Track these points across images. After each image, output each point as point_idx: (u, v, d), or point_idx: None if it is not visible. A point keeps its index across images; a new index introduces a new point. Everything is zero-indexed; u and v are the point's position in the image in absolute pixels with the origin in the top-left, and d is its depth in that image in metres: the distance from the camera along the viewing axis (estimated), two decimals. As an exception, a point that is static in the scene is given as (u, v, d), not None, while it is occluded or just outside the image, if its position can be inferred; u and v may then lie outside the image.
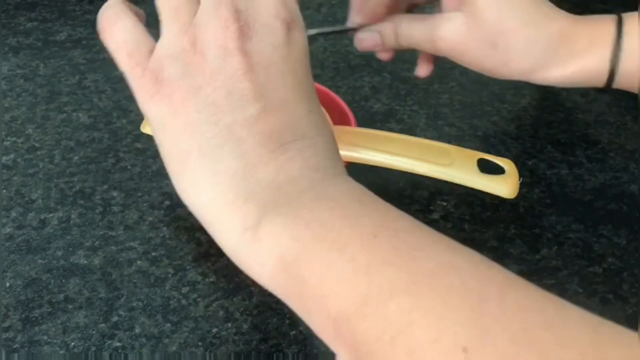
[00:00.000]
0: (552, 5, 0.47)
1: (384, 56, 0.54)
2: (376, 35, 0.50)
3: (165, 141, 0.33)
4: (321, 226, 0.29)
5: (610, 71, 0.46)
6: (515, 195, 0.48)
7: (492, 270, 0.27)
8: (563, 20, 0.46)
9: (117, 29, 0.34)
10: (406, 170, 0.49)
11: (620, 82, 0.46)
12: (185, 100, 0.32)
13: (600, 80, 0.47)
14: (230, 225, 0.31)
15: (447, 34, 0.47)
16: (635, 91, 0.46)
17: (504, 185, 0.48)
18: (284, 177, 0.31)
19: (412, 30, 0.49)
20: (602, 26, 0.46)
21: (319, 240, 0.28)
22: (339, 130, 0.51)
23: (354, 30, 0.51)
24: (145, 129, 0.52)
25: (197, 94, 0.32)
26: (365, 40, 0.51)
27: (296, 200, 0.30)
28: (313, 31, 0.52)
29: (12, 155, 0.58)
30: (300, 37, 0.34)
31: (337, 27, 0.53)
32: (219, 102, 0.31)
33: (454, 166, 0.49)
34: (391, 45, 0.50)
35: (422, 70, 0.56)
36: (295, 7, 0.34)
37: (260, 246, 0.30)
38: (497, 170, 0.49)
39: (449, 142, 0.51)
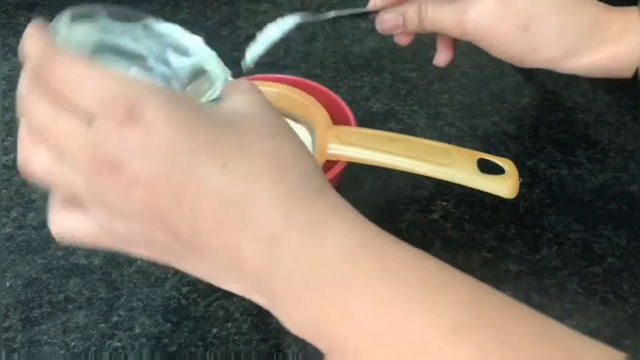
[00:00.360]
0: None
1: (402, 40, 0.52)
2: (399, 16, 0.49)
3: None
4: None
5: None
6: (515, 195, 0.48)
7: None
8: (596, 7, 0.46)
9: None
10: (406, 170, 0.49)
11: None
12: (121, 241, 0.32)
13: (629, 69, 0.46)
14: None
15: (477, 16, 0.46)
16: None
17: (504, 185, 0.48)
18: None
19: (439, 13, 0.48)
20: (634, 14, 0.45)
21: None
22: (339, 130, 0.51)
23: (375, 13, 0.50)
24: None
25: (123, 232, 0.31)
26: (386, 21, 0.50)
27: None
28: (332, 13, 0.51)
29: (12, 155, 0.58)
30: (157, 114, 0.29)
31: (358, 10, 0.52)
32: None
33: (454, 166, 0.49)
34: (413, 29, 0.49)
35: (442, 57, 0.54)
36: (127, 84, 0.30)
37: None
38: (497, 170, 0.49)
39: (449, 142, 0.51)
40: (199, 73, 0.37)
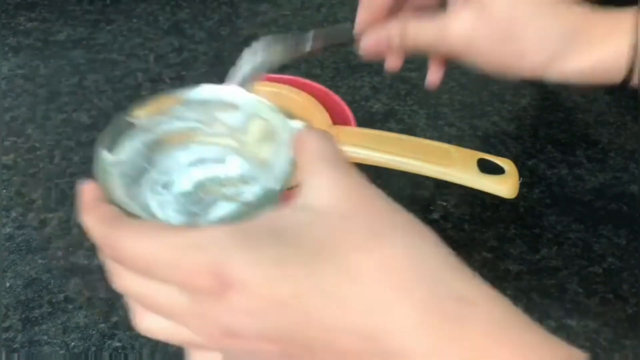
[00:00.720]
0: None
1: (391, 64, 0.51)
2: (381, 35, 0.48)
3: None
4: None
5: (629, 62, 0.44)
6: (515, 195, 0.48)
7: None
8: (580, 10, 0.45)
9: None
10: (406, 170, 0.49)
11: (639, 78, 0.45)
12: None
13: (618, 73, 0.45)
14: None
15: (459, 30, 0.45)
16: None
17: (504, 185, 0.48)
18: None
19: (421, 30, 0.47)
20: (620, 16, 0.44)
21: None
22: (338, 130, 0.51)
23: (358, 40, 0.49)
24: None
25: None
26: (370, 42, 0.48)
27: None
28: (315, 45, 0.48)
29: (12, 155, 0.58)
30: (244, 271, 0.27)
31: (339, 38, 0.50)
32: None
33: (454, 166, 0.49)
34: (396, 47, 0.48)
35: (433, 76, 0.52)
36: (221, 254, 0.27)
37: None
38: (497, 170, 0.49)
39: (449, 142, 0.51)
40: (257, 124, 0.35)
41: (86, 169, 0.57)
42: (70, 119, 0.62)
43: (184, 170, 0.35)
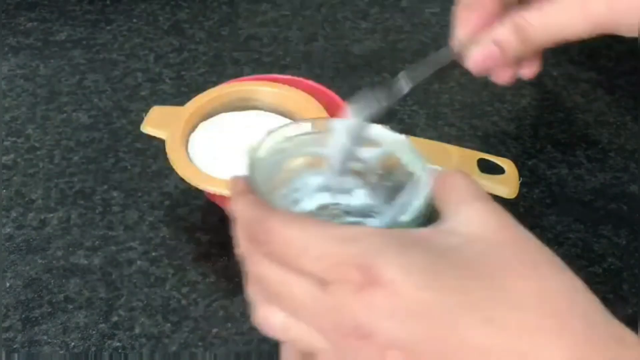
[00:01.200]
0: None
1: (503, 76, 0.44)
2: (490, 45, 0.41)
3: None
4: None
5: None
6: (516, 195, 0.48)
7: None
8: None
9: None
10: None
11: None
12: None
13: None
14: None
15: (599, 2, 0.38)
16: None
17: (504, 185, 0.48)
18: None
19: (549, 15, 0.40)
20: None
21: None
22: None
23: (456, 58, 0.42)
24: (146, 128, 0.52)
25: None
26: (479, 56, 0.41)
27: None
28: (413, 83, 0.40)
29: (12, 155, 0.58)
30: (395, 273, 0.26)
31: (440, 63, 0.42)
32: None
33: (454, 166, 0.49)
34: (513, 52, 0.41)
35: (531, 69, 0.45)
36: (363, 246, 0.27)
37: None
38: (497, 170, 0.49)
39: (449, 142, 0.51)
40: (391, 161, 0.35)
41: (86, 169, 0.57)
42: (70, 119, 0.62)
43: (311, 192, 0.35)
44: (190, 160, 0.50)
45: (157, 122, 0.52)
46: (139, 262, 0.50)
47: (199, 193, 0.54)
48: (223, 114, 0.54)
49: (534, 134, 0.60)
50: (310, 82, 0.56)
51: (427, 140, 0.51)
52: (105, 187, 0.55)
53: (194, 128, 0.52)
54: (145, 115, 0.53)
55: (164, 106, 0.55)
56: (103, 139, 0.60)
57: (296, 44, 0.70)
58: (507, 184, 0.48)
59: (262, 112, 0.54)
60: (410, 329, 0.26)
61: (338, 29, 0.72)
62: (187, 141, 0.51)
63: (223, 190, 0.47)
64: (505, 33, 0.41)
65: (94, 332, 0.46)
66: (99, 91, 0.65)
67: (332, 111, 0.53)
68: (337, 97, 0.55)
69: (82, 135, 0.60)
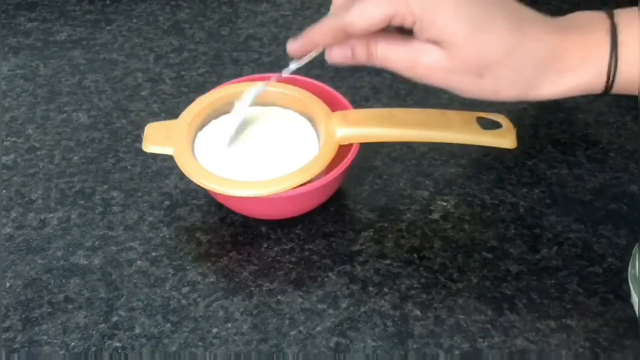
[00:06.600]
0: (535, 20, 0.45)
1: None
2: (347, 49, 0.47)
3: None
4: None
5: (607, 82, 0.44)
6: (516, 145, 0.52)
7: None
8: (550, 37, 0.44)
9: None
10: (414, 140, 0.50)
11: (618, 89, 0.44)
12: None
13: (597, 90, 0.45)
14: None
15: (430, 63, 0.44)
16: (636, 94, 0.45)
17: (505, 138, 0.52)
18: None
19: (389, 53, 0.46)
20: (594, 37, 0.44)
21: None
22: (344, 114, 0.52)
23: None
24: (148, 147, 0.51)
25: None
26: (335, 53, 0.47)
27: None
28: (293, 67, 0.49)
29: (12, 155, 0.58)
30: None
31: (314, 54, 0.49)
32: None
33: (456, 128, 0.52)
34: (362, 62, 0.47)
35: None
36: None
37: None
38: (495, 127, 0.53)
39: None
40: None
41: (86, 169, 0.57)
42: (70, 119, 0.62)
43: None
44: (206, 169, 0.49)
45: (156, 139, 0.51)
46: (139, 262, 0.50)
47: (198, 193, 0.54)
48: (223, 116, 0.54)
49: (534, 134, 0.60)
50: (311, 81, 0.56)
51: (425, 110, 0.54)
52: (105, 187, 0.55)
53: (196, 134, 0.52)
54: (145, 114, 0.53)
55: (157, 122, 0.53)
56: (103, 139, 0.60)
57: (296, 44, 0.70)
58: (506, 136, 0.52)
59: (265, 107, 0.54)
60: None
61: (338, 29, 0.72)
62: (192, 149, 0.51)
63: (257, 192, 0.47)
64: (357, 45, 0.46)
65: (94, 332, 0.46)
66: (99, 91, 0.65)
67: (335, 109, 0.53)
68: (337, 94, 0.55)
69: (82, 135, 0.60)
